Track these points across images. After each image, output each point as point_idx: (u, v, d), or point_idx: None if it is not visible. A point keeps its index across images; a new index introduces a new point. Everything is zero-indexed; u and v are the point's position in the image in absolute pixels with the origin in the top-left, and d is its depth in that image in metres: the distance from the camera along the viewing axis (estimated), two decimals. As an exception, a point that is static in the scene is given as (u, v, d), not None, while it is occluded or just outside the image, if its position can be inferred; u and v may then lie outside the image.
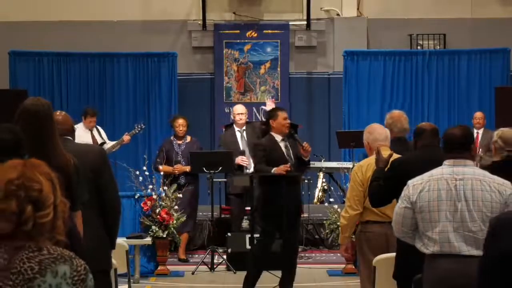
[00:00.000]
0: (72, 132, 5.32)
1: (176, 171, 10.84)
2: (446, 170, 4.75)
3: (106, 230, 5.19)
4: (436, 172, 4.77)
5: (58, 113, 5.34)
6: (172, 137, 11.19)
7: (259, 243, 8.62)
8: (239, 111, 11.08)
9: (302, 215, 8.86)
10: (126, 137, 11.92)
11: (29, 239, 2.49)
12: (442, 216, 4.67)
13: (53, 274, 2.47)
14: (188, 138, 11.12)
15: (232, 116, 11.32)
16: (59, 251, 2.52)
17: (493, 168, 5.09)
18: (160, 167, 10.83)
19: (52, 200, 2.51)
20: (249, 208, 10.52)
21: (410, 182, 4.82)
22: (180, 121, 11.11)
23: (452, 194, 4.68)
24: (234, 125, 11.11)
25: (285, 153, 8.40)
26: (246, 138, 10.83)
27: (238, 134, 10.99)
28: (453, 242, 4.63)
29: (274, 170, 8.30)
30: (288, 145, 8.47)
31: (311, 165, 12.62)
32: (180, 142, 11.06)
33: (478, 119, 13.23)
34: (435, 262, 4.67)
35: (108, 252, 5.26)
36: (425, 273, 4.74)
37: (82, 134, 11.26)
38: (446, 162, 4.78)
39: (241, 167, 10.77)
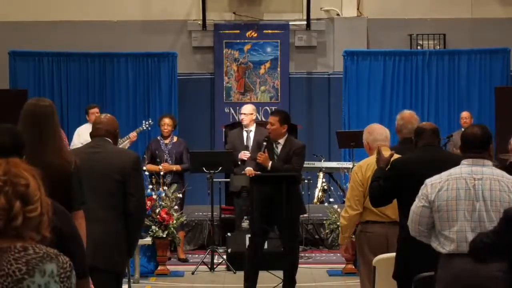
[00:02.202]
0: (112, 134, 5.52)
1: (163, 170, 10.84)
2: (464, 170, 4.73)
3: (127, 233, 5.30)
4: (454, 171, 4.74)
5: (103, 116, 5.65)
6: (158, 137, 11.21)
7: (250, 242, 8.68)
8: (242, 111, 11.08)
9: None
10: (132, 134, 11.81)
11: (17, 236, 2.47)
12: (460, 215, 4.65)
13: (41, 274, 2.46)
14: (175, 138, 11.15)
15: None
16: (44, 249, 2.50)
17: (510, 169, 5.08)
18: (146, 167, 10.86)
19: (39, 195, 2.50)
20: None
21: (428, 181, 4.78)
22: (166, 120, 11.11)
23: (471, 194, 4.66)
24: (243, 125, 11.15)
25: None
26: (251, 138, 10.74)
27: (244, 134, 10.97)
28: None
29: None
30: (265, 146, 8.57)
31: (314, 165, 12.77)
32: (166, 141, 11.07)
33: (465, 119, 13.21)
34: (450, 262, 4.65)
35: (121, 255, 5.31)
36: (439, 272, 4.71)
37: (85, 132, 11.23)
38: (464, 161, 4.76)
39: (244, 162, 10.76)
